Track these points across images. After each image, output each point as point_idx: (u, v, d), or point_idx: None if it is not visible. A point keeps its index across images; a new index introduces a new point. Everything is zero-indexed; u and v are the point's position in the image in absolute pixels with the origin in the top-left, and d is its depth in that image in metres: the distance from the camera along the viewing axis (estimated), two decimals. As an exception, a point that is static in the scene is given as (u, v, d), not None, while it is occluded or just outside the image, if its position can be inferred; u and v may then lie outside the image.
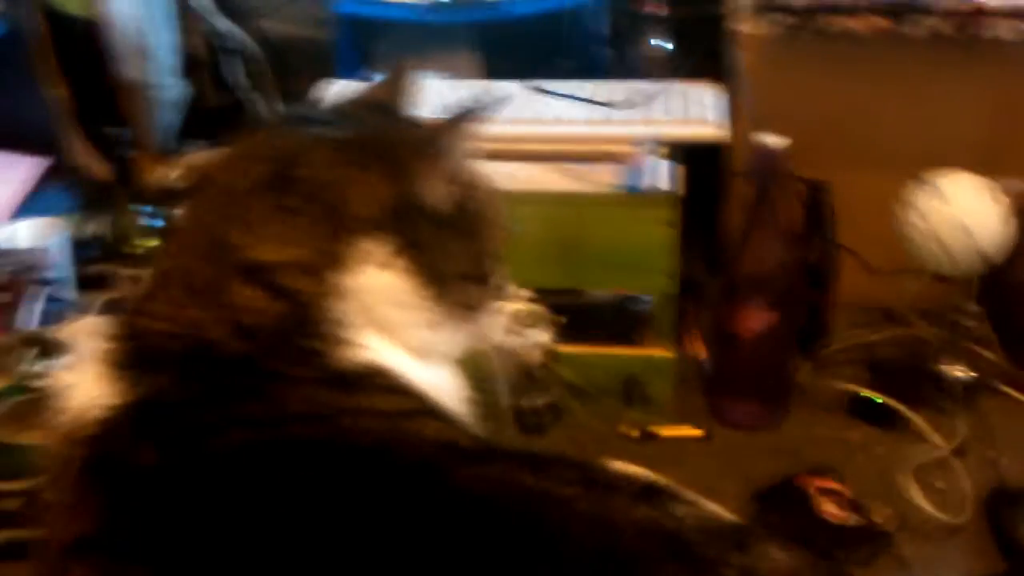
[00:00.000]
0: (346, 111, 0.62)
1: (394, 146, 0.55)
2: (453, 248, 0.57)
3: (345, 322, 0.51)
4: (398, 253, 0.53)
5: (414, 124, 0.60)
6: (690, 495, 0.49)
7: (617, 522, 0.44)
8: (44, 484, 0.48)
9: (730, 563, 0.44)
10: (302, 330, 0.50)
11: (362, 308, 0.52)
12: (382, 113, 0.61)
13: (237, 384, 0.47)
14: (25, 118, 1.57)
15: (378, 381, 0.50)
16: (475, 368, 0.68)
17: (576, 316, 1.15)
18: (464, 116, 0.56)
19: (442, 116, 0.58)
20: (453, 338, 0.58)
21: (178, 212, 1.36)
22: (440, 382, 0.56)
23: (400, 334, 0.54)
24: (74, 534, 0.45)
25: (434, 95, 1.26)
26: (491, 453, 0.46)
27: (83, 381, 0.50)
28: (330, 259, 0.52)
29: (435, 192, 0.56)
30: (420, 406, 0.50)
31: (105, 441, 0.46)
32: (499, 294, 0.64)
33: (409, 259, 0.54)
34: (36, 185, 1.51)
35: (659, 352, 1.14)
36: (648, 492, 0.47)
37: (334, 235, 0.52)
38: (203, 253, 0.51)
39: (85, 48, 1.64)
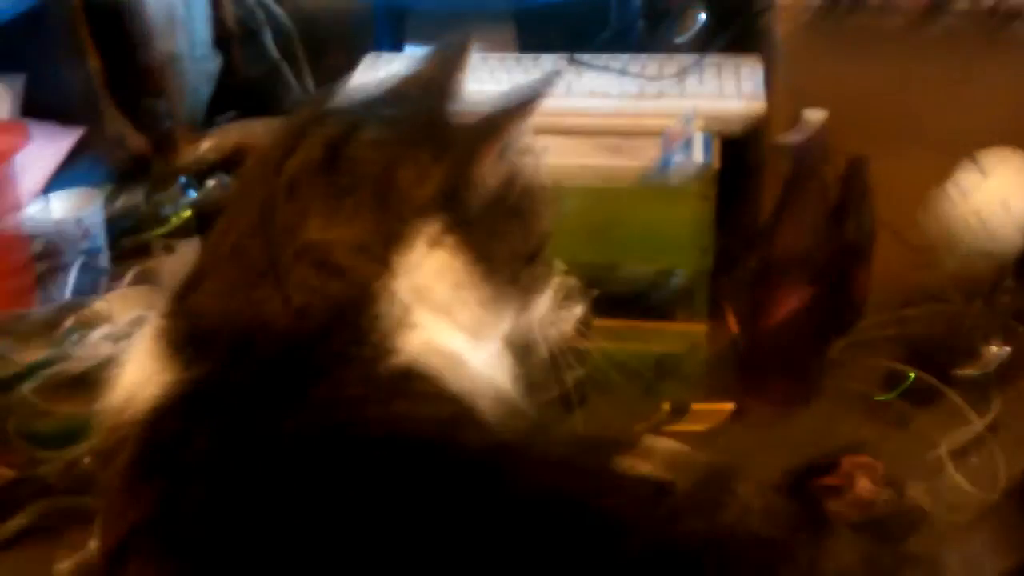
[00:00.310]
0: (398, 90, 0.61)
1: (448, 128, 0.55)
2: (503, 228, 0.57)
3: (401, 301, 0.51)
4: (450, 232, 0.53)
5: (467, 106, 0.60)
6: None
7: (677, 527, 0.43)
8: (97, 465, 0.48)
9: (797, 558, 0.44)
10: (358, 310, 0.50)
11: (416, 287, 0.52)
12: (434, 93, 0.61)
13: (292, 367, 0.47)
14: (60, 90, 1.58)
15: (436, 364, 0.50)
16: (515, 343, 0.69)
17: (610, 292, 1.15)
18: (519, 102, 0.56)
19: (498, 100, 0.57)
20: (503, 316, 0.58)
21: (226, 189, 1.37)
22: (492, 361, 0.56)
23: (453, 313, 0.54)
24: (129, 522, 0.45)
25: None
26: (546, 452, 0.46)
27: (134, 360, 0.50)
28: (384, 238, 0.51)
29: (488, 175, 0.55)
30: (461, 411, 0.50)
31: (158, 425, 0.46)
32: (547, 273, 0.64)
33: (461, 238, 0.53)
34: (70, 156, 1.52)
35: (693, 327, 1.13)
36: (709, 496, 0.46)
37: (388, 215, 0.52)
38: (255, 233, 0.51)
39: (119, 20, 1.64)
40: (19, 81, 1.53)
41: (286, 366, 0.48)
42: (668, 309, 1.16)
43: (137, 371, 0.49)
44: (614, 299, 1.13)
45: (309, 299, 0.48)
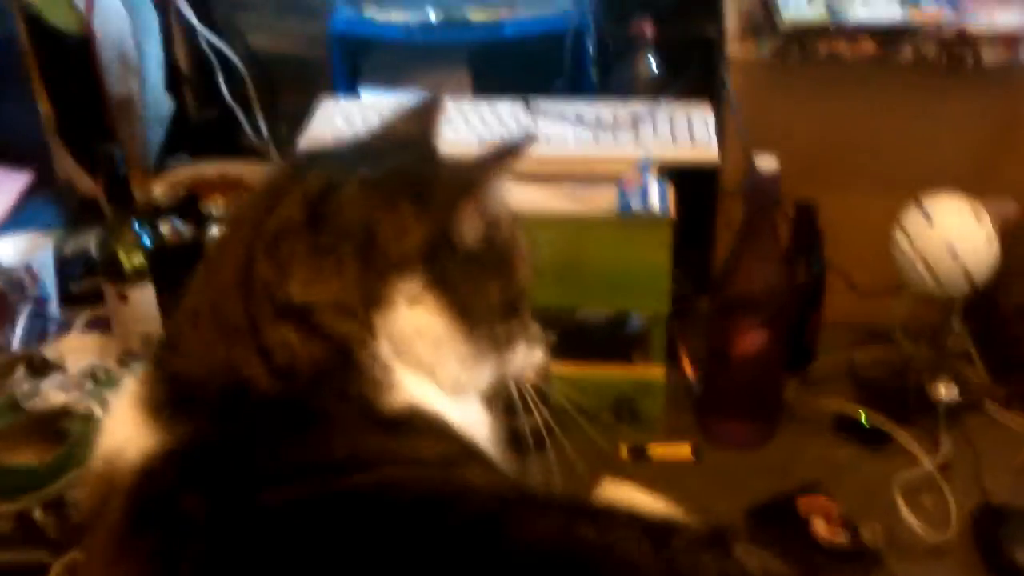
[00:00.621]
0: (375, 145, 0.61)
1: (427, 184, 0.55)
2: (483, 283, 0.57)
3: (382, 362, 0.51)
4: (430, 289, 0.53)
5: (446, 161, 0.60)
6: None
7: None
8: (80, 534, 0.47)
9: None
10: (341, 371, 0.50)
11: (398, 347, 0.52)
12: (411, 148, 0.61)
13: (279, 428, 0.47)
14: (11, 131, 1.56)
15: (418, 424, 0.50)
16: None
17: (568, 335, 1.16)
18: (498, 155, 0.57)
19: (477, 154, 0.58)
20: (483, 372, 0.58)
21: (178, 233, 1.36)
22: (471, 417, 0.56)
23: (434, 371, 0.54)
24: None
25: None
26: (544, 502, 0.46)
27: (116, 420, 0.49)
28: (365, 297, 0.51)
29: (468, 230, 0.56)
30: (462, 450, 0.49)
31: (148, 484, 0.45)
32: (526, 326, 0.64)
33: (441, 295, 0.53)
34: (20, 199, 1.51)
35: (651, 371, 1.14)
36: (712, 539, 0.46)
37: (369, 273, 0.51)
38: (235, 292, 0.50)
39: (71, 62, 1.63)
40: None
41: (273, 428, 0.47)
42: (626, 352, 1.17)
43: (119, 431, 0.48)
44: (572, 342, 1.14)
45: (291, 359, 0.48)
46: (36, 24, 1.61)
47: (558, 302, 1.16)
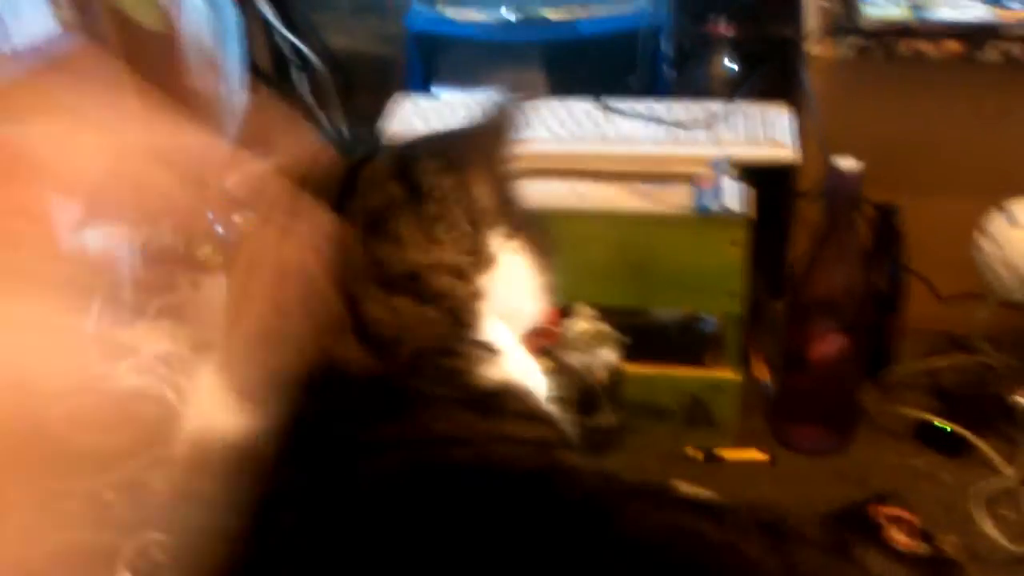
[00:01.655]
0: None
1: (477, 145, 0.56)
2: (532, 233, 0.57)
3: (483, 323, 0.51)
4: (513, 236, 0.54)
5: (471, 128, 0.60)
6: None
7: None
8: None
9: None
10: (448, 339, 0.50)
11: (496, 302, 0.52)
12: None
13: (375, 407, 0.47)
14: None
15: (513, 403, 0.50)
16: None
17: (642, 336, 1.15)
18: (512, 116, 0.57)
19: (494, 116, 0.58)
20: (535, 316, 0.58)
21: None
22: (537, 374, 0.56)
23: (517, 320, 0.54)
24: (227, 567, 0.44)
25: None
26: (655, 493, 0.45)
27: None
28: (476, 257, 0.52)
29: (510, 175, 0.57)
30: (558, 435, 0.49)
31: (248, 468, 0.46)
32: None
33: (521, 238, 0.54)
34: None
35: (725, 374, 1.13)
36: (836, 540, 0.45)
37: (478, 234, 0.52)
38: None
39: (158, 59, 1.67)
40: (57, 119, 1.55)
41: (367, 403, 0.47)
42: (699, 353, 1.16)
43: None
44: (645, 342, 1.14)
45: (398, 331, 0.48)
46: (123, 24, 1.65)
47: (631, 302, 1.15)
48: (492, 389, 0.49)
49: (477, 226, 0.52)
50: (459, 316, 0.50)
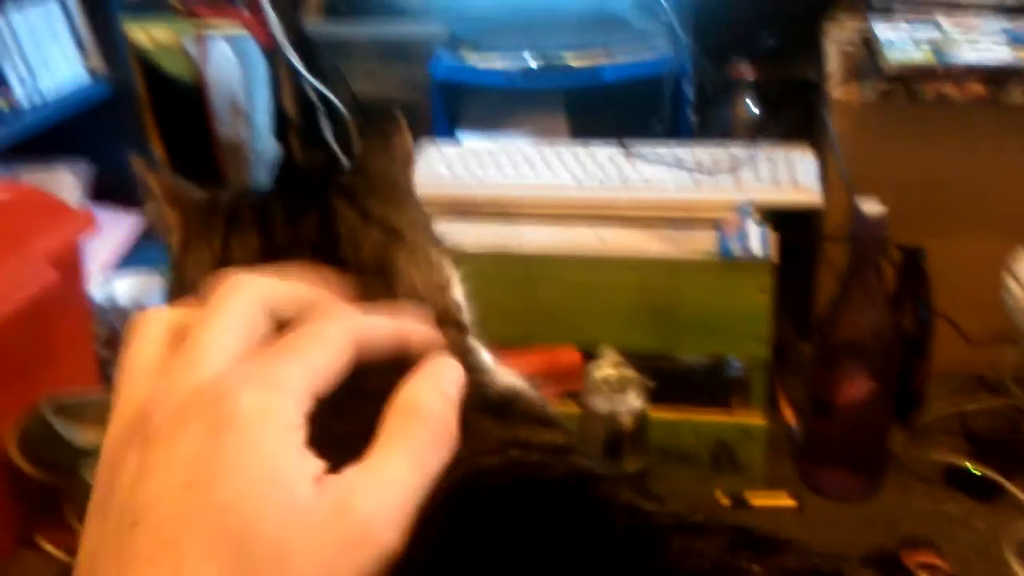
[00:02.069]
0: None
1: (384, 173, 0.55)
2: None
3: (467, 328, 0.51)
4: (444, 250, 0.53)
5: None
6: None
7: None
8: None
9: None
10: (462, 346, 0.49)
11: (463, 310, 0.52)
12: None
13: None
14: (126, 174, 1.62)
15: (523, 407, 0.48)
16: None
17: (667, 380, 1.15)
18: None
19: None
20: None
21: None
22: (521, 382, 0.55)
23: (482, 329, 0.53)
24: None
25: (519, 157, 1.28)
26: (691, 521, 0.42)
27: None
28: (448, 279, 0.51)
29: None
30: (570, 439, 0.47)
31: None
32: None
33: (445, 249, 0.54)
34: (134, 240, 1.57)
35: (752, 418, 1.12)
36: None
37: (437, 252, 0.52)
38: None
39: (186, 108, 1.70)
40: (89, 169, 1.58)
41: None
42: (725, 397, 1.15)
43: None
44: (670, 386, 1.13)
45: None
46: (151, 71, 1.68)
47: (655, 346, 1.15)
48: (504, 394, 0.48)
49: (434, 244, 0.52)
50: (461, 328, 0.50)
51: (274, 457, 0.35)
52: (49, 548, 1.13)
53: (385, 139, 0.53)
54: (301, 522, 0.34)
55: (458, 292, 0.51)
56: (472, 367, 0.46)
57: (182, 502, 0.34)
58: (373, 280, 0.47)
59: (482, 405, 0.44)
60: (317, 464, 0.35)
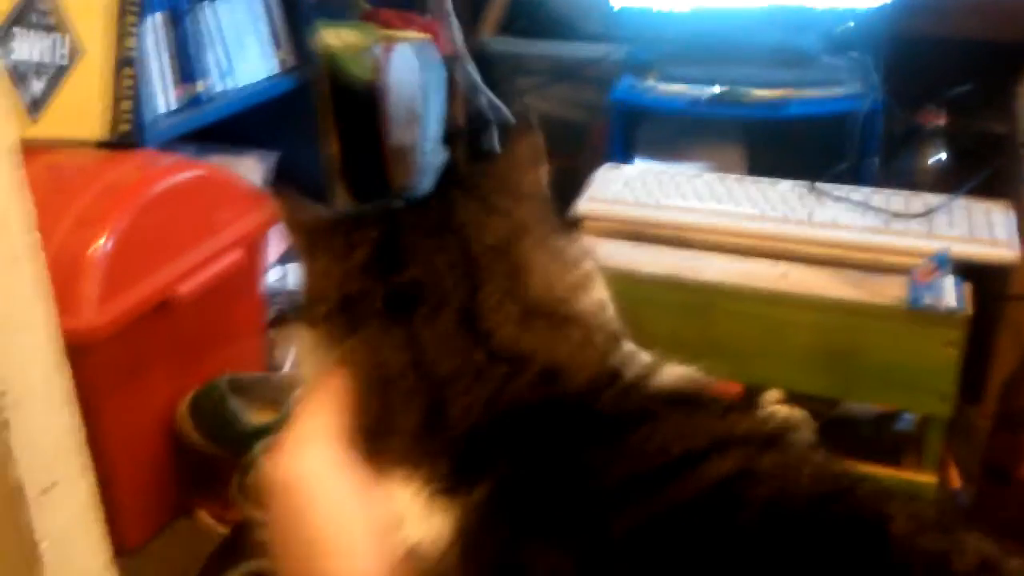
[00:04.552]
0: None
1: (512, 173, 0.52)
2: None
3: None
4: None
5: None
6: None
7: None
8: None
9: None
10: (613, 350, 0.47)
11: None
12: None
13: (599, 434, 0.43)
14: (301, 170, 1.67)
15: (708, 397, 0.46)
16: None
17: (831, 428, 1.11)
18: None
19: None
20: None
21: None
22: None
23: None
24: None
25: (699, 186, 1.26)
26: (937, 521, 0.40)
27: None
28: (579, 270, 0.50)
29: None
30: (782, 426, 0.44)
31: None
32: None
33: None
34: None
35: (923, 477, 1.07)
36: None
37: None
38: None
39: (363, 110, 1.74)
40: (272, 158, 1.63)
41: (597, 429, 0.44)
42: (895, 454, 1.11)
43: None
44: (835, 435, 1.09)
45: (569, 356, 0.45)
46: (335, 71, 1.73)
47: (828, 392, 1.12)
48: (682, 388, 0.45)
49: (569, 242, 0.49)
50: (606, 331, 0.47)
51: None
52: (207, 520, 1.16)
53: (512, 140, 0.51)
54: None
55: (602, 293, 0.48)
56: (632, 366, 0.44)
57: None
58: (499, 266, 0.45)
59: (669, 399, 0.42)
60: None
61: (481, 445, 0.41)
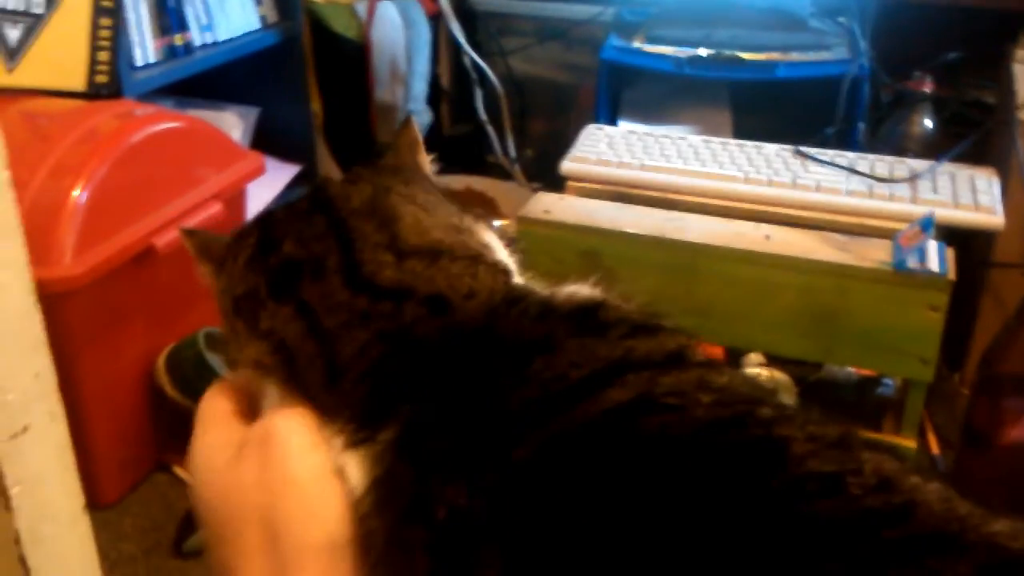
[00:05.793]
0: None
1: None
2: None
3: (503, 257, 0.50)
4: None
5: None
6: None
7: None
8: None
9: None
10: (507, 282, 0.48)
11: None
12: None
13: (503, 359, 0.43)
14: (286, 126, 1.65)
15: (617, 314, 0.45)
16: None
17: (812, 392, 1.11)
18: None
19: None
20: None
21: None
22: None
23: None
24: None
25: (684, 147, 1.25)
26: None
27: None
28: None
29: None
30: (684, 340, 0.44)
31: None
32: None
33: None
34: (288, 189, 1.59)
35: (903, 441, 1.08)
36: None
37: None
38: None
39: (346, 68, 1.71)
40: (254, 114, 1.60)
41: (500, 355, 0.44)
42: (876, 418, 1.11)
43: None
44: (816, 401, 1.09)
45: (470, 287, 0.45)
46: (319, 27, 1.70)
47: (811, 355, 1.11)
48: (589, 304, 0.45)
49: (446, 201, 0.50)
50: (496, 266, 0.48)
51: None
52: (183, 474, 1.16)
53: (397, 135, 0.53)
54: None
55: (490, 239, 0.48)
56: (522, 293, 0.44)
57: None
58: (367, 224, 0.45)
59: (573, 328, 0.41)
60: None
61: (383, 389, 0.42)
